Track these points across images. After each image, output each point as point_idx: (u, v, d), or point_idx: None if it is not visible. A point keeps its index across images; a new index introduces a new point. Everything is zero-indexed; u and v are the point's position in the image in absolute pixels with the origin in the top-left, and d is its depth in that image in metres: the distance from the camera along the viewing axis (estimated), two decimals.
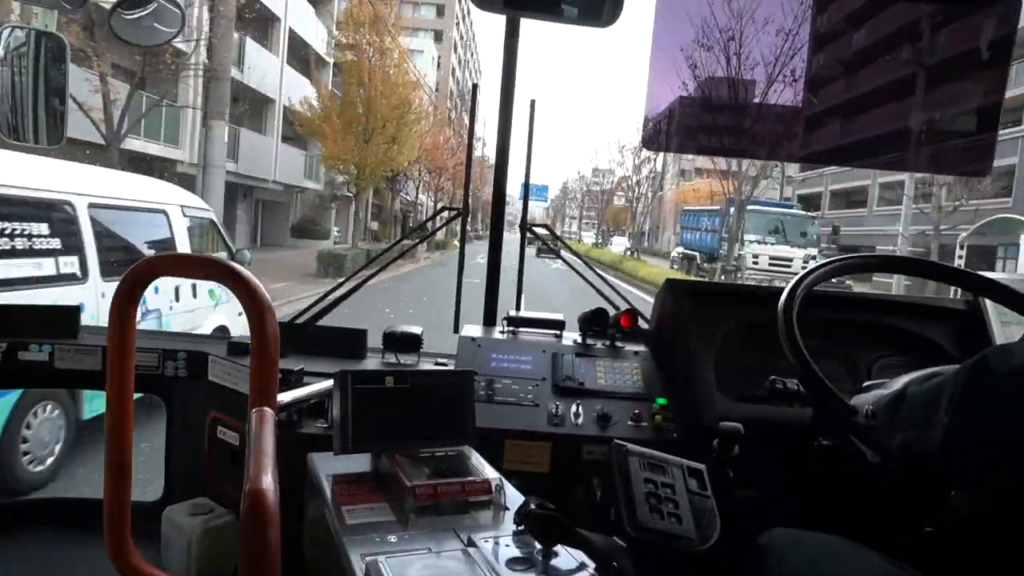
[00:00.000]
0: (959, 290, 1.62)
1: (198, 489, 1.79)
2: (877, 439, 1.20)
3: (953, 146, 1.71)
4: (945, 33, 1.62)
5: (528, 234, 2.10)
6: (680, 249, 32.65)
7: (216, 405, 1.76)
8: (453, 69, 60.33)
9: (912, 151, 1.65)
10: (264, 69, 21.95)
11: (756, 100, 1.62)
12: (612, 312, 1.83)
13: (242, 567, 0.69)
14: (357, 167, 22.19)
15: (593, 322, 1.80)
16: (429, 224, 2.34)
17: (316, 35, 27.30)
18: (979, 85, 1.69)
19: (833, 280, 1.48)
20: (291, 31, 25.22)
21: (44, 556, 1.78)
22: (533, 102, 1.97)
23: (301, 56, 26.68)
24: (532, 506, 0.88)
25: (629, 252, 41.21)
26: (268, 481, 0.75)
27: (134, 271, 1.23)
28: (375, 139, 21.80)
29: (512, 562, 0.83)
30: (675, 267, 30.24)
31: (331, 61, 27.65)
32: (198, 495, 1.77)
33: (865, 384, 1.34)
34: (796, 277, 1.37)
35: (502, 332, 1.86)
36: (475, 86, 2.10)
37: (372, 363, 1.83)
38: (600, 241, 67.70)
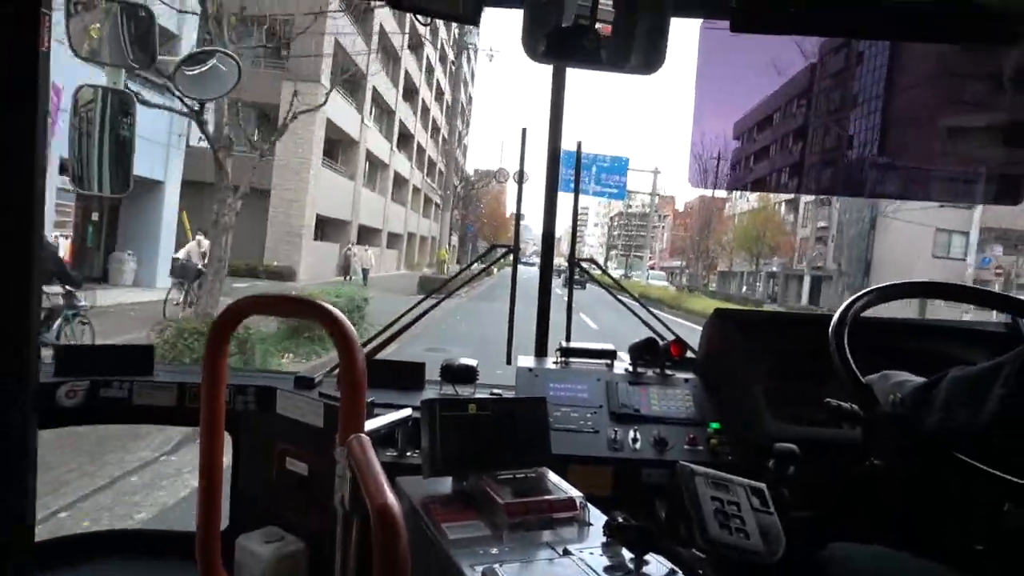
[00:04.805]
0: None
1: (264, 518, 1.86)
2: (905, 426, 1.24)
3: (987, 175, 1.80)
4: (978, 62, 1.72)
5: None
6: None
7: (283, 437, 1.84)
8: None
9: (947, 181, 1.73)
10: None
11: (801, 135, 1.72)
12: (661, 342, 1.91)
13: None
14: None
15: (644, 351, 1.88)
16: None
17: None
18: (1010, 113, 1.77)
19: None
20: None
21: None
22: (579, 144, 2.08)
23: None
24: (620, 519, 0.95)
25: None
26: (391, 497, 0.82)
27: (228, 310, 1.33)
28: None
29: (608, 570, 0.90)
30: None
31: None
32: (264, 524, 1.84)
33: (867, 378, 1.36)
34: (847, 301, 1.45)
35: (555, 363, 1.94)
36: (524, 130, 2.22)
37: (431, 394, 1.91)
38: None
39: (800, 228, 40.33)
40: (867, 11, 1.46)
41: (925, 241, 28.95)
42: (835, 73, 1.72)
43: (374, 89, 29.98)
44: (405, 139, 39.96)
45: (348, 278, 25.04)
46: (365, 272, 25.52)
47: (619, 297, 2.24)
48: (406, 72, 36.57)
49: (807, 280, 35.98)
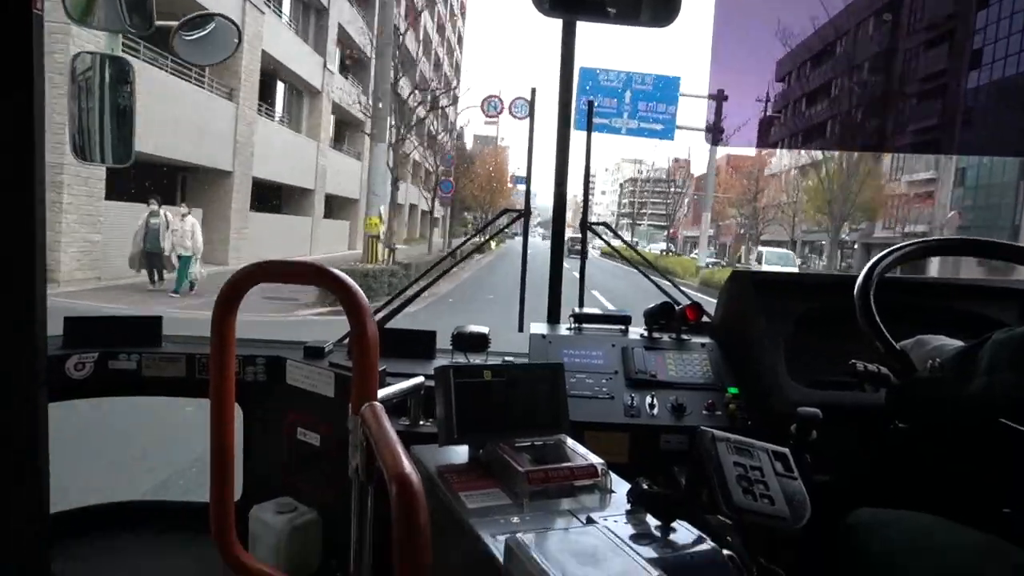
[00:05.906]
0: None
1: (276, 489, 1.85)
2: (946, 391, 1.20)
3: None
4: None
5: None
6: None
7: (294, 407, 1.82)
8: None
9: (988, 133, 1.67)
10: None
11: (833, 92, 1.65)
12: (676, 307, 1.87)
13: (398, 549, 0.74)
14: None
15: (659, 316, 1.84)
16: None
17: None
18: None
19: None
20: None
21: (150, 555, 1.88)
22: (591, 103, 2.02)
23: None
24: (644, 486, 0.92)
25: None
26: (408, 465, 0.79)
27: (235, 278, 1.29)
28: None
29: (634, 538, 0.87)
30: None
31: None
32: (276, 495, 1.84)
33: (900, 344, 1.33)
34: (874, 258, 1.41)
35: (569, 329, 1.90)
36: (533, 90, 2.16)
37: (443, 362, 1.88)
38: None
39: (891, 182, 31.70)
40: None
41: None
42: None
43: None
44: (357, 66, 26.23)
45: (157, 280, 12.66)
46: (183, 262, 12.39)
47: (631, 260, 2.19)
48: None
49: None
